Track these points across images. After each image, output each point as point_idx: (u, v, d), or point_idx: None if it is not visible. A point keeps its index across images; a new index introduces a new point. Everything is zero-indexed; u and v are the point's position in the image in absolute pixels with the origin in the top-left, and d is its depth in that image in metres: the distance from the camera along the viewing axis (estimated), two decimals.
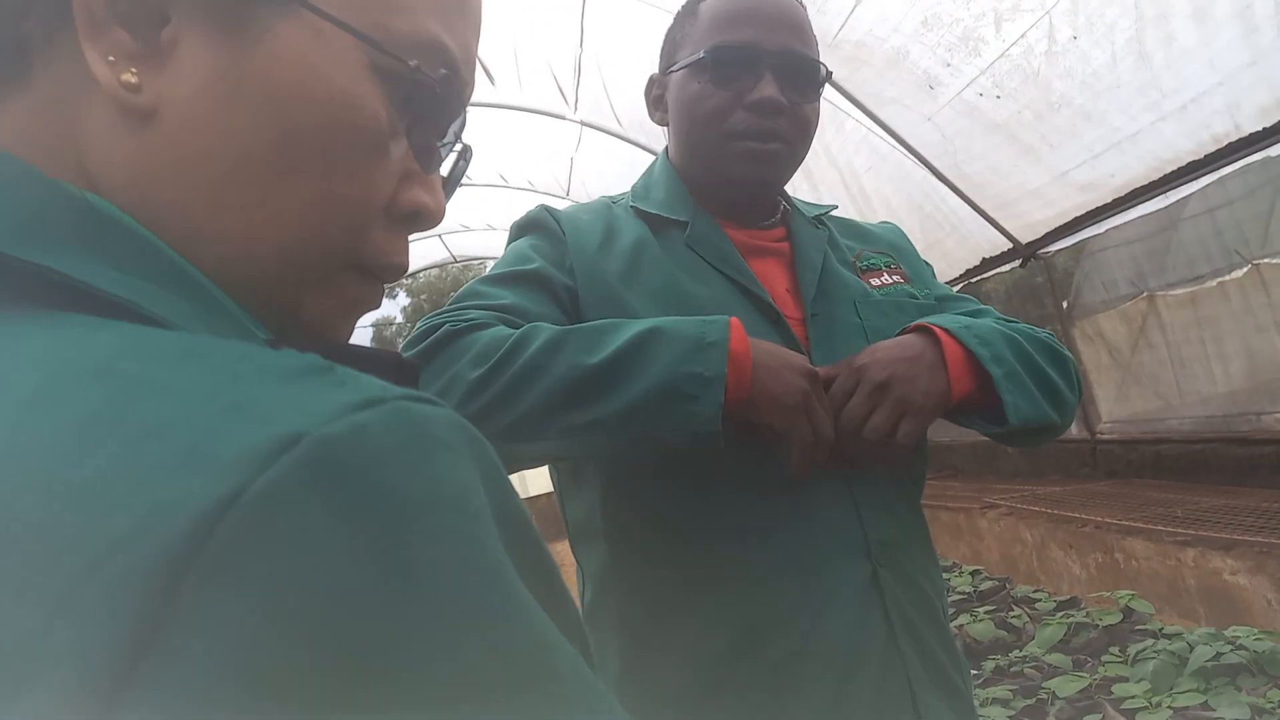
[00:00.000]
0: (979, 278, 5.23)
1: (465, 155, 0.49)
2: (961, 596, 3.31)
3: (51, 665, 0.21)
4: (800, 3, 0.97)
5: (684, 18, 0.99)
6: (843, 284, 0.98)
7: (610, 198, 1.06)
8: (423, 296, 23.67)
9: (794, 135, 0.94)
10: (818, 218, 1.08)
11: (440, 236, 9.93)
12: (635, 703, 0.87)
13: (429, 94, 0.41)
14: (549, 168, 7.50)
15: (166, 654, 0.21)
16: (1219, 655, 2.09)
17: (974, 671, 2.58)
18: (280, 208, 0.37)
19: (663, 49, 1.03)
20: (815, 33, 0.98)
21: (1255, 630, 2.21)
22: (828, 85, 0.92)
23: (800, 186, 5.87)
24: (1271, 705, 1.84)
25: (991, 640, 2.78)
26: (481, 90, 5.95)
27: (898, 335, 0.89)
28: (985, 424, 0.88)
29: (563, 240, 0.94)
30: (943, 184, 4.67)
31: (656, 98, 1.03)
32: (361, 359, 0.38)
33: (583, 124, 6.31)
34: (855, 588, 0.84)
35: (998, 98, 3.90)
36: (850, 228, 1.12)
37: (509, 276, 0.90)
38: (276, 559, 0.22)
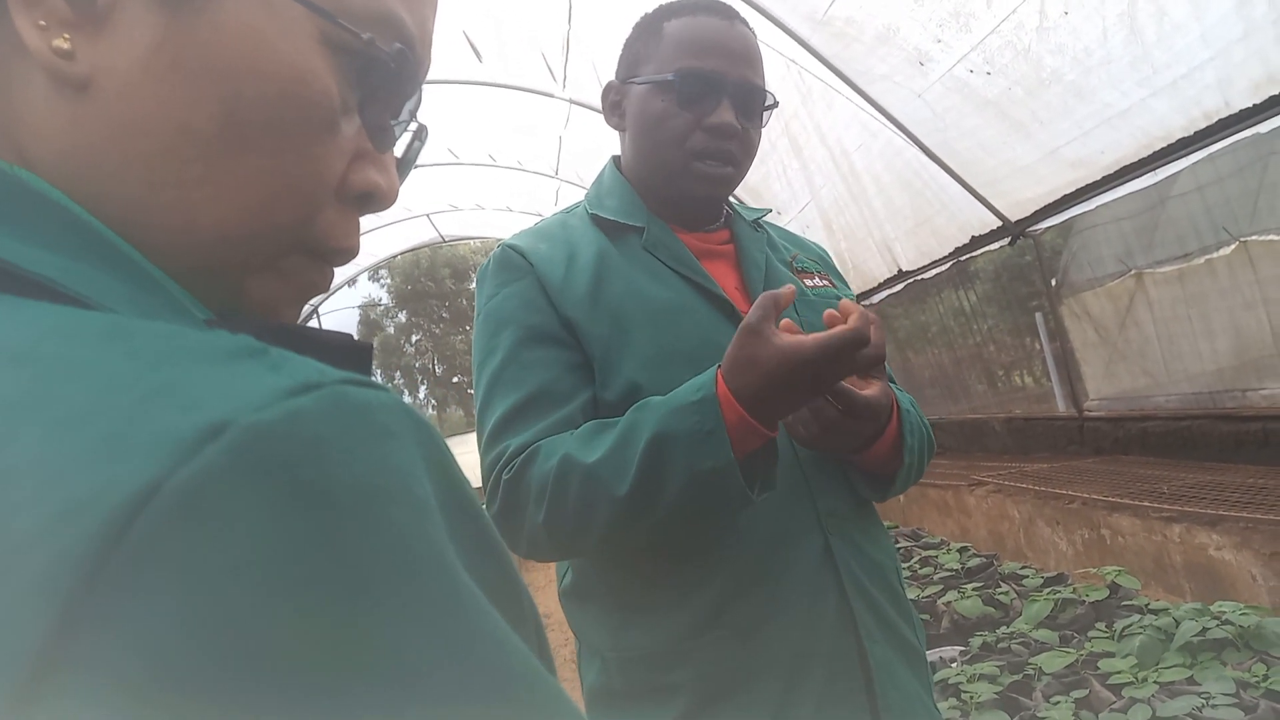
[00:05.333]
0: (968, 256, 5.23)
1: (420, 135, 0.47)
2: (949, 574, 3.33)
3: None
4: (754, 33, 1.06)
5: (646, 33, 1.05)
6: (782, 283, 1.07)
7: (564, 210, 1.13)
8: (399, 279, 23.54)
9: (743, 157, 1.05)
10: (755, 221, 1.16)
11: (429, 216, 9.87)
12: (618, 667, 0.94)
13: (383, 69, 0.39)
14: (538, 146, 7.44)
15: (79, 660, 0.20)
16: (1205, 630, 2.10)
17: (961, 648, 2.59)
18: (224, 185, 0.35)
19: (622, 58, 1.09)
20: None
21: (1241, 605, 2.23)
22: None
23: (790, 166, 5.85)
24: (1256, 679, 1.85)
25: (979, 617, 2.79)
26: (469, 68, 5.88)
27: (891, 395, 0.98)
28: (864, 480, 1.01)
29: (533, 273, 1.01)
30: (933, 161, 4.65)
31: (614, 104, 1.10)
32: (310, 341, 0.36)
33: (571, 102, 6.26)
34: (811, 558, 0.93)
35: (988, 74, 3.88)
36: (787, 235, 1.22)
37: (510, 354, 0.97)
38: (197, 556, 0.21)
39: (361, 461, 0.25)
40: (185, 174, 0.35)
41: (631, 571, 0.94)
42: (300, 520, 0.22)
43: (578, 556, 0.98)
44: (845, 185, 5.55)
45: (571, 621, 1.02)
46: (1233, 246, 3.82)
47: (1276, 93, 2.87)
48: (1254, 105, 2.98)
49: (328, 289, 0.43)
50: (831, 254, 1.29)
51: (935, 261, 5.47)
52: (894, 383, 1.14)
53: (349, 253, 0.42)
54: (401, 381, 25.73)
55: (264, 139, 0.36)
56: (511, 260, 1.03)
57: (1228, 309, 3.92)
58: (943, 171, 4.66)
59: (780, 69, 4.84)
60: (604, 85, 1.11)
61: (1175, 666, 2.04)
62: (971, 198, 4.68)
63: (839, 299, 1.12)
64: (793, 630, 0.90)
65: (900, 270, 5.82)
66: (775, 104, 1.06)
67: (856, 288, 6.18)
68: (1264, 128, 3.05)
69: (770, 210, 1.25)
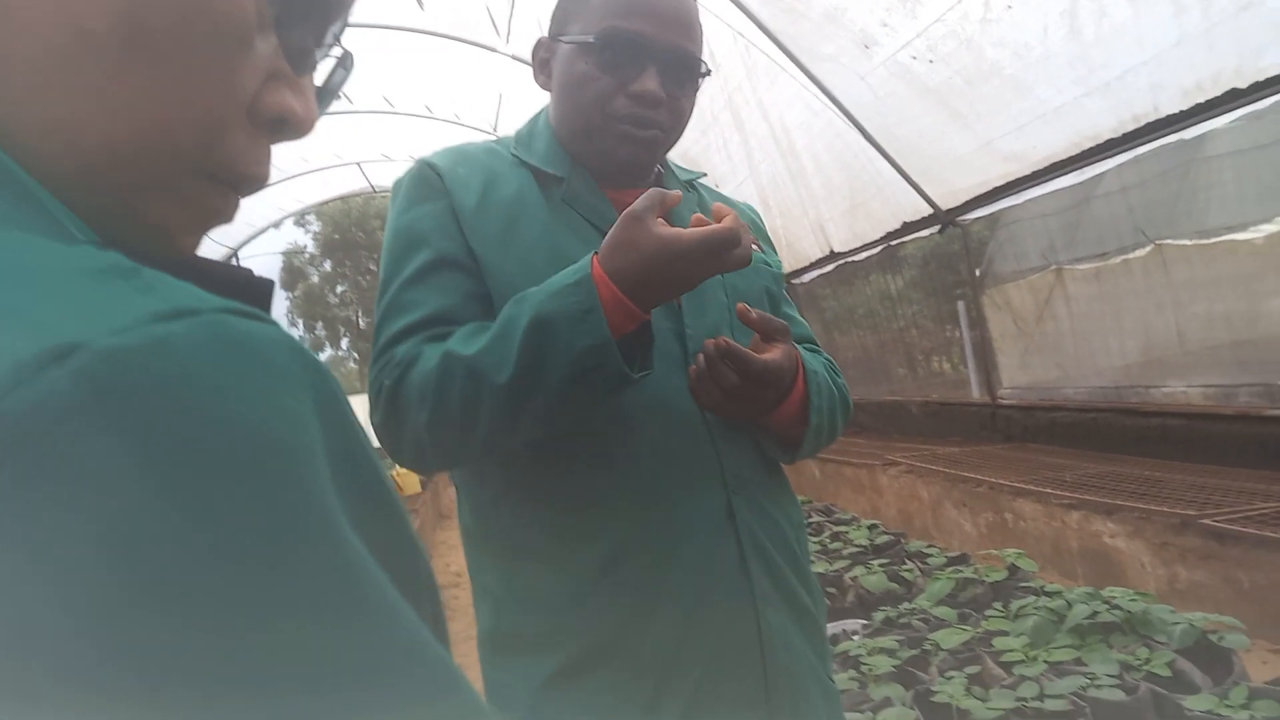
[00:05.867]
0: (898, 240, 5.31)
1: (345, 63, 0.43)
2: (858, 549, 3.40)
3: None
4: None
5: None
6: None
7: (494, 141, 1.08)
8: (327, 227, 22.87)
9: (669, 124, 1.00)
10: (689, 183, 1.14)
11: (359, 165, 9.61)
12: (511, 612, 0.93)
13: None
14: (476, 101, 7.27)
15: None
16: (1095, 614, 2.18)
17: (864, 622, 2.64)
18: (119, 96, 0.32)
19: (554, 14, 1.04)
20: None
21: (1130, 591, 2.32)
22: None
23: (731, 139, 5.83)
24: (1139, 662, 1.94)
25: (883, 592, 2.86)
26: (410, 14, 5.69)
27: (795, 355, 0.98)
28: (770, 442, 1.00)
29: (447, 196, 0.97)
30: (871, 146, 4.69)
31: (543, 61, 1.05)
32: (202, 274, 0.33)
33: (514, 58, 6.11)
34: (712, 515, 0.93)
35: (931, 62, 3.91)
36: (719, 197, 1.20)
37: (417, 275, 0.94)
38: (25, 497, 0.18)
39: (236, 399, 0.22)
40: (75, 80, 0.31)
41: (529, 514, 0.93)
42: (161, 456, 0.20)
43: (464, 461, 0.95)
44: (784, 162, 5.57)
45: (468, 562, 1.01)
46: (1148, 249, 3.96)
47: (1204, 100, 2.96)
48: (1182, 111, 3.07)
49: (231, 219, 0.40)
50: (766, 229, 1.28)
51: (866, 244, 5.54)
52: (815, 344, 1.15)
53: (257, 180, 0.39)
54: (324, 333, 25.02)
55: (168, 49, 0.32)
56: (427, 179, 0.99)
57: (1139, 309, 4.07)
58: (880, 156, 4.71)
59: (727, 41, 4.80)
60: (534, 41, 1.06)
61: (1065, 647, 2.12)
62: (906, 184, 4.75)
63: (765, 263, 1.12)
64: (687, 588, 0.90)
65: (832, 251, 5.89)
66: (708, 72, 1.02)
67: (789, 266, 6.23)
68: (1189, 134, 3.15)
69: (705, 175, 1.22)
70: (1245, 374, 3.54)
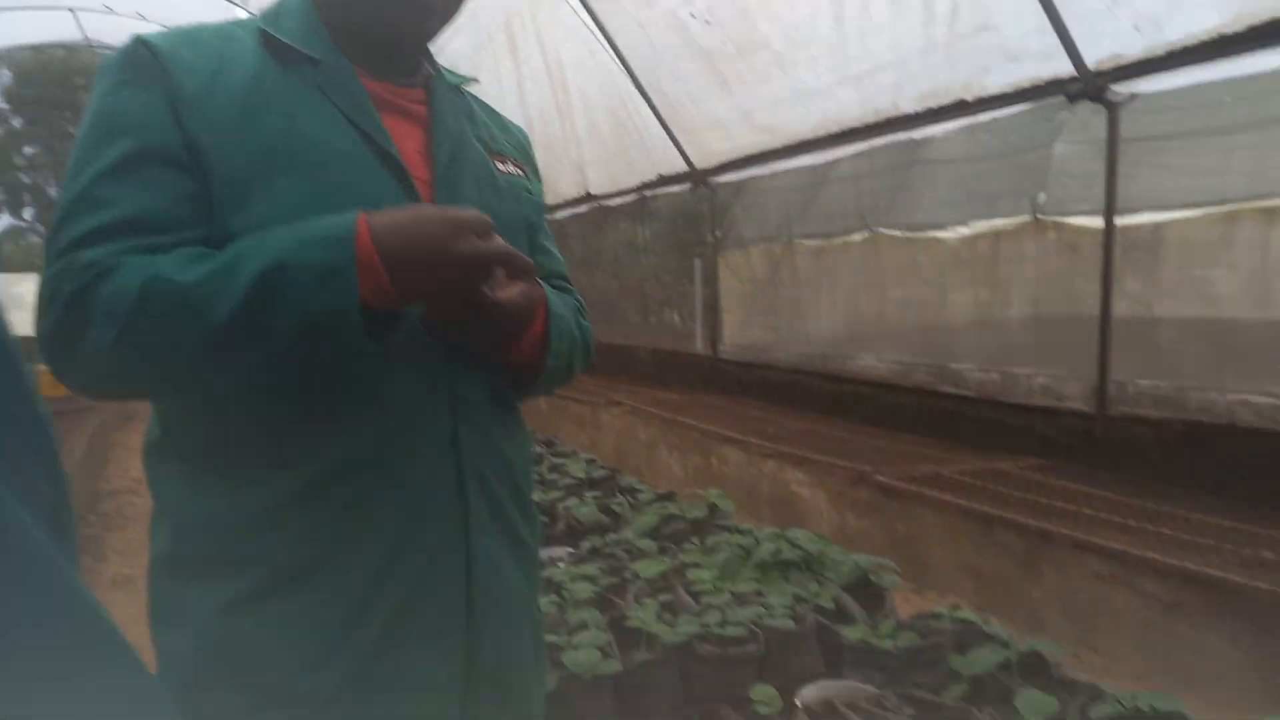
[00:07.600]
0: (653, 192, 5.46)
1: None
2: (574, 481, 3.50)
3: None
4: None
5: None
6: (472, 159, 0.99)
7: (232, 23, 0.93)
8: (20, 79, 19.40)
9: None
10: (458, 87, 1.05)
11: (74, 11, 8.26)
12: (194, 533, 0.84)
13: None
14: None
15: None
16: (778, 552, 2.41)
17: (571, 550, 2.74)
18: None
19: None
20: None
21: (810, 534, 2.59)
22: None
23: (504, 63, 5.67)
24: (810, 595, 2.17)
25: (593, 523, 2.97)
26: None
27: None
28: (505, 377, 0.98)
29: (164, 79, 0.82)
30: (640, 95, 4.76)
31: None
32: None
33: None
34: (434, 441, 0.89)
35: (708, 23, 4.02)
36: (491, 112, 1.13)
37: (115, 167, 0.80)
38: None
39: None
40: None
41: (231, 428, 0.85)
42: None
43: (139, 391, 0.84)
44: (554, 98, 5.51)
45: (151, 482, 0.90)
46: (865, 234, 4.38)
47: (936, 105, 3.29)
48: (915, 113, 3.40)
49: None
50: None
51: (622, 191, 5.64)
52: (566, 280, 1.12)
53: None
54: (2, 197, 21.23)
55: None
56: (141, 59, 0.83)
57: (850, 287, 4.49)
58: (648, 107, 4.79)
59: None
60: None
61: (749, 580, 2.32)
62: (668, 139, 4.88)
63: (527, 190, 1.07)
64: (397, 513, 0.86)
65: (589, 193, 5.94)
66: None
67: (546, 202, 6.21)
68: (917, 134, 3.49)
69: (477, 80, 1.11)
70: (926, 355, 4.04)
